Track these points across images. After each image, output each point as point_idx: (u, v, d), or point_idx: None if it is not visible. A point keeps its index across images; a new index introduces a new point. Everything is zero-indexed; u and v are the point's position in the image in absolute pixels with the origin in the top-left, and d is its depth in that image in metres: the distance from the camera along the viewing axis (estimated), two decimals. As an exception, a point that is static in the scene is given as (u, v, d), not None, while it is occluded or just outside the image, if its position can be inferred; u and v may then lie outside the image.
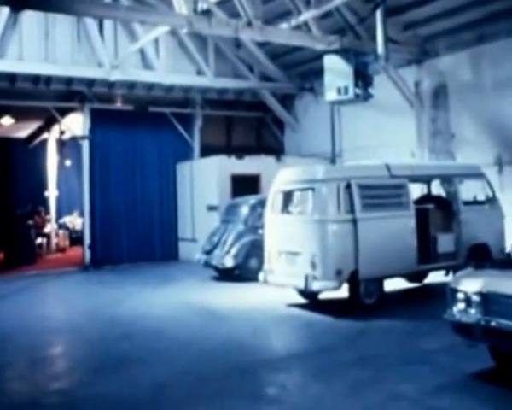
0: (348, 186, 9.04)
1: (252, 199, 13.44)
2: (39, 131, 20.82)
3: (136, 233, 17.09)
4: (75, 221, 21.98)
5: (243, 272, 12.59)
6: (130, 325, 9.12)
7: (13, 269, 15.72)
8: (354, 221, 8.95)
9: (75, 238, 20.71)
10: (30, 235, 17.58)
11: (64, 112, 17.14)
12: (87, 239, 16.51)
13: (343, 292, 9.28)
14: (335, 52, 12.81)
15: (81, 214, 17.92)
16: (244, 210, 13.28)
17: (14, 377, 7.08)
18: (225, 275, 13.00)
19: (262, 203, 11.74)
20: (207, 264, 13.22)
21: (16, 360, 7.74)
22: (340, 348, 7.46)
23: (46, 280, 14.42)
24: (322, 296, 10.04)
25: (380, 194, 9.43)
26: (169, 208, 17.65)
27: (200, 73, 17.16)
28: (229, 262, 12.73)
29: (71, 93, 16.35)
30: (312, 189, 9.24)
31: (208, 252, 13.27)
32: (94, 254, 16.45)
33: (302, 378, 6.44)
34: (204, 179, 16.28)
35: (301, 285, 9.10)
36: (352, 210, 8.99)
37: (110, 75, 15.44)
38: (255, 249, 12.09)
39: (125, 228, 16.99)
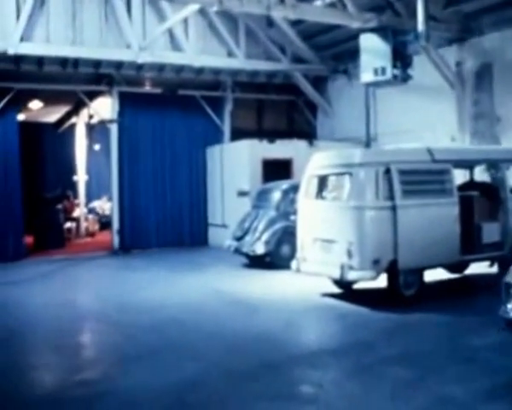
0: (387, 171, 8.52)
1: (284, 184, 13.04)
2: (68, 115, 20.74)
3: (164, 218, 16.87)
4: (104, 206, 21.92)
5: (275, 259, 12.23)
6: (158, 313, 8.81)
7: (41, 253, 15.71)
8: (393, 208, 8.44)
9: (105, 223, 20.65)
10: (59, 219, 17.61)
11: (92, 95, 16.91)
12: (115, 224, 16.38)
13: (380, 282, 8.80)
14: (372, 31, 12.30)
15: (110, 199, 17.79)
16: (276, 195, 12.88)
17: (37, 366, 6.84)
18: (256, 262, 12.65)
19: (294, 188, 11.39)
20: (238, 250, 12.88)
21: (40, 347, 7.55)
22: (378, 343, 7.00)
23: (73, 264, 14.26)
24: (357, 286, 9.58)
25: (421, 180, 8.90)
26: (198, 193, 17.35)
27: (230, 54, 16.69)
28: (260, 249, 12.36)
29: (99, 76, 16.08)
30: (349, 173, 8.76)
31: (239, 238, 12.93)
32: (122, 239, 16.32)
33: (339, 376, 6.00)
34: (234, 164, 15.91)
35: (336, 275, 8.68)
36: (391, 196, 8.48)
37: (138, 57, 15.06)
38: (287, 236, 11.76)
39: (153, 213, 16.77)
